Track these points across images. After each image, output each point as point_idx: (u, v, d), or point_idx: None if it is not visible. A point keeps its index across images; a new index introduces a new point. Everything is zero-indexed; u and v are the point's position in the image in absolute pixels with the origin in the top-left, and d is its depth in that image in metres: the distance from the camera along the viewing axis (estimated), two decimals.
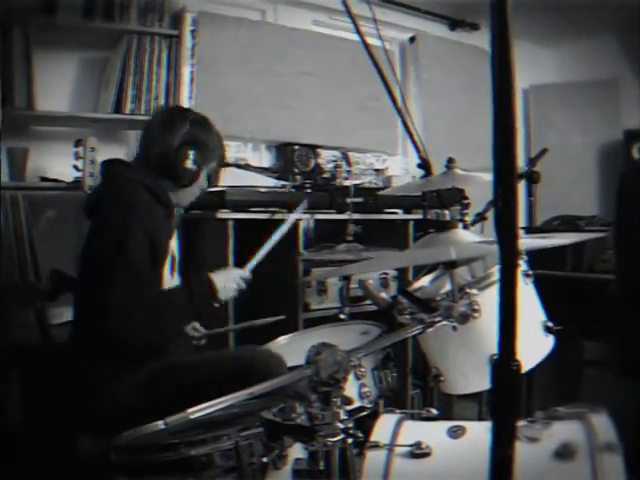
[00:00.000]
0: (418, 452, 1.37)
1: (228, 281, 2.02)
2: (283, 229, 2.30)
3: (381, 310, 1.55)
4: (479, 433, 1.43)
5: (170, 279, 2.04)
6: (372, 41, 1.84)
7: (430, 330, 1.34)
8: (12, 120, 2.82)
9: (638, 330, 2.21)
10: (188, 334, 2.25)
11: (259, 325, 2.33)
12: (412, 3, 4.17)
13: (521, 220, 2.91)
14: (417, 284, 1.96)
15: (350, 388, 1.34)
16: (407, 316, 1.46)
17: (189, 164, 2.02)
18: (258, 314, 2.85)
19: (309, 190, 3.17)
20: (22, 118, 2.85)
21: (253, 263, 2.18)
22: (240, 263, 2.69)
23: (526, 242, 1.46)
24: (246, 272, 2.13)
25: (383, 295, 1.58)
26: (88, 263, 1.89)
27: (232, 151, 3.68)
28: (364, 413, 1.48)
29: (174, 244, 2.09)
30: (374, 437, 1.44)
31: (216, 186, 2.30)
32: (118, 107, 2.96)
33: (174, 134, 2.03)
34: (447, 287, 1.74)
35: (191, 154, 2.02)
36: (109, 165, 2.07)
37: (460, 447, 1.41)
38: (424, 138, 1.96)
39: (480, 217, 2.60)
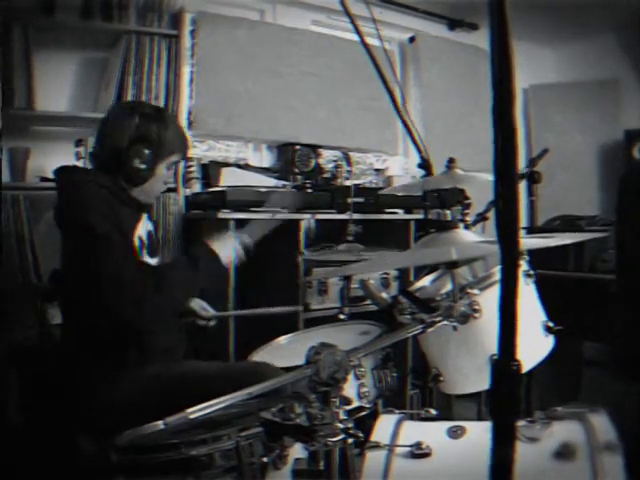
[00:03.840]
0: (418, 452, 1.37)
1: (226, 245, 1.99)
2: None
3: (381, 310, 1.55)
4: (479, 433, 1.43)
5: (151, 260, 2.04)
6: (371, 41, 1.84)
7: (430, 330, 1.33)
8: (12, 120, 2.82)
9: (638, 330, 2.21)
10: (181, 321, 2.22)
11: (264, 314, 2.31)
12: (411, 3, 4.17)
13: (522, 220, 2.91)
14: (418, 284, 1.95)
15: (349, 388, 1.34)
16: (407, 316, 1.46)
17: (137, 163, 1.95)
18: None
19: (310, 190, 3.17)
20: (22, 118, 2.85)
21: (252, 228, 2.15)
22: (240, 263, 2.70)
23: (527, 242, 1.46)
24: (245, 236, 2.08)
25: (384, 295, 1.58)
26: (71, 270, 1.90)
27: (233, 151, 3.69)
28: (363, 413, 1.48)
29: (142, 230, 2.06)
30: (374, 437, 1.45)
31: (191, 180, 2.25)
32: None
33: (123, 132, 1.96)
34: (448, 287, 1.74)
35: (142, 152, 1.96)
36: (62, 173, 2.03)
37: (460, 447, 1.41)
38: (424, 138, 1.96)
39: (481, 217, 2.60)
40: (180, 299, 1.98)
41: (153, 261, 2.08)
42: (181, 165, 2.17)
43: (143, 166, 1.96)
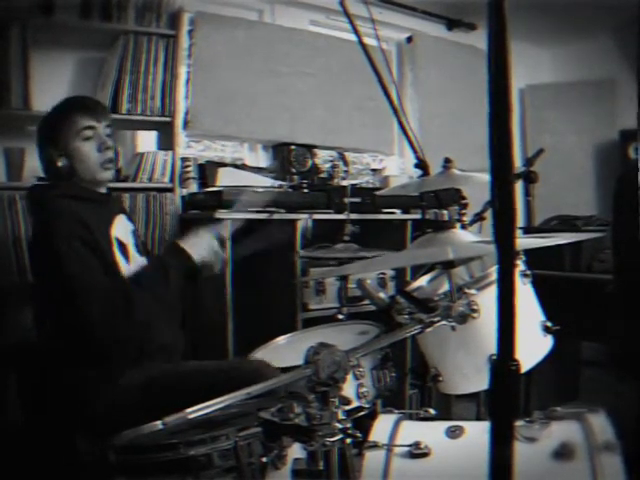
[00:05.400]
0: (417, 452, 1.37)
1: (199, 242, 1.97)
2: None
3: (380, 310, 1.55)
4: (478, 433, 1.43)
5: (127, 266, 2.01)
6: (369, 41, 1.84)
7: (429, 330, 1.34)
8: (9, 120, 2.82)
9: (636, 330, 2.21)
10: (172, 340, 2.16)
11: None
12: (409, 3, 4.17)
13: (519, 220, 2.91)
14: (415, 284, 1.96)
15: (348, 388, 1.34)
16: (406, 316, 1.46)
17: (55, 162, 1.98)
18: (257, 314, 2.86)
19: (306, 190, 3.17)
20: (19, 118, 2.84)
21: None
22: (238, 263, 2.70)
23: (523, 242, 1.46)
24: (219, 229, 2.08)
25: (381, 295, 1.59)
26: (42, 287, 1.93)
27: (229, 151, 3.69)
28: (362, 413, 1.48)
29: (120, 231, 2.05)
30: (373, 437, 1.44)
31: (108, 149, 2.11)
32: (115, 107, 2.95)
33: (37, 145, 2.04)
34: (445, 287, 1.74)
35: (51, 153, 1.99)
36: (31, 193, 2.08)
37: (459, 447, 1.41)
38: (421, 138, 1.96)
39: (478, 217, 2.60)
40: (153, 307, 1.90)
41: (142, 259, 2.07)
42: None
43: (60, 160, 1.98)
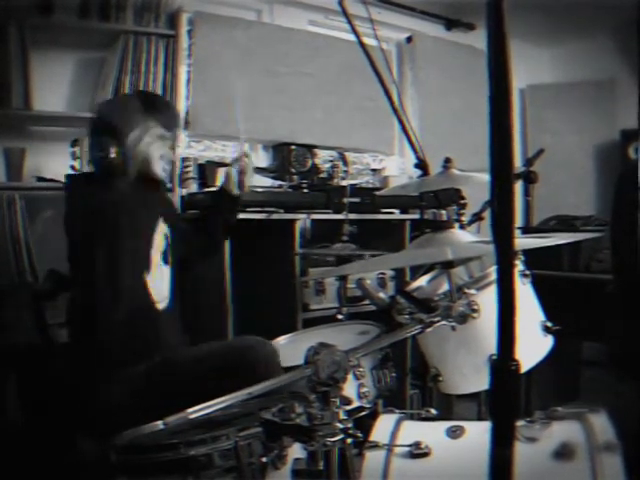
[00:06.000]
0: (417, 452, 1.37)
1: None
2: None
3: (379, 310, 1.55)
4: (478, 433, 1.43)
5: (164, 267, 2.04)
6: (369, 41, 1.84)
7: (429, 330, 1.34)
8: (9, 120, 2.82)
9: (635, 330, 2.21)
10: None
11: None
12: (408, 3, 4.17)
13: (518, 220, 2.91)
14: (415, 284, 1.96)
15: (349, 388, 1.34)
16: (406, 316, 1.46)
17: (96, 152, 1.95)
18: (257, 314, 2.86)
19: (306, 190, 3.17)
20: (19, 118, 2.84)
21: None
22: (237, 263, 2.70)
23: (521, 242, 1.46)
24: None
25: (381, 295, 1.59)
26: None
27: (229, 151, 3.68)
28: (363, 413, 1.48)
29: (161, 237, 2.06)
30: (373, 437, 1.45)
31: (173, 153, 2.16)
32: None
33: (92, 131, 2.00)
34: (445, 287, 1.74)
35: (99, 141, 1.95)
36: (73, 183, 2.09)
37: (459, 447, 1.41)
38: (421, 138, 1.96)
39: (477, 217, 2.60)
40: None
41: (167, 268, 2.07)
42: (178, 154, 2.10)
43: (101, 153, 1.93)
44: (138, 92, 2.08)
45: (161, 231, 2.07)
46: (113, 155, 1.93)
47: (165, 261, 2.07)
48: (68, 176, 2.35)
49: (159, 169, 2.04)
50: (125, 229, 1.82)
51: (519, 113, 4.89)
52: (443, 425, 1.49)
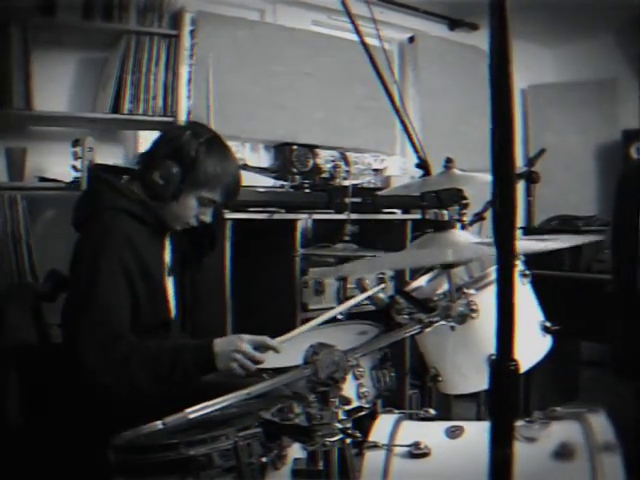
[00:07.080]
0: (417, 452, 1.37)
1: (229, 346, 1.70)
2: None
3: (379, 310, 1.55)
4: (477, 433, 1.43)
5: (168, 278, 2.01)
6: (371, 41, 1.84)
7: (428, 330, 1.34)
8: (10, 120, 2.82)
9: (635, 330, 2.21)
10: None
11: None
12: (411, 3, 4.17)
13: (519, 220, 2.91)
14: (414, 284, 1.96)
15: (348, 388, 1.34)
16: (405, 316, 1.46)
17: (157, 177, 1.82)
18: (256, 314, 2.86)
19: (308, 190, 3.17)
20: (20, 118, 2.85)
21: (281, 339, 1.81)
22: (237, 263, 2.70)
23: (523, 245, 1.46)
24: (262, 338, 1.78)
25: (381, 295, 1.59)
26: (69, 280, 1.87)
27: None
28: (362, 413, 1.48)
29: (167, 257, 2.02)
30: (373, 437, 1.44)
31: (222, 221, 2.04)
32: (116, 107, 2.95)
33: (165, 144, 1.87)
34: (444, 287, 1.74)
35: (168, 167, 1.81)
36: (96, 179, 1.94)
37: (458, 447, 1.41)
38: (422, 138, 1.96)
39: (478, 217, 2.60)
40: (142, 386, 1.69)
41: (170, 280, 2.04)
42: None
43: (161, 182, 1.83)
44: (221, 156, 1.90)
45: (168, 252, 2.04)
46: (161, 182, 1.83)
47: (169, 273, 2.05)
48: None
49: (179, 226, 1.96)
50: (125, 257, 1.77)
51: (521, 113, 4.89)
52: (442, 425, 1.49)
